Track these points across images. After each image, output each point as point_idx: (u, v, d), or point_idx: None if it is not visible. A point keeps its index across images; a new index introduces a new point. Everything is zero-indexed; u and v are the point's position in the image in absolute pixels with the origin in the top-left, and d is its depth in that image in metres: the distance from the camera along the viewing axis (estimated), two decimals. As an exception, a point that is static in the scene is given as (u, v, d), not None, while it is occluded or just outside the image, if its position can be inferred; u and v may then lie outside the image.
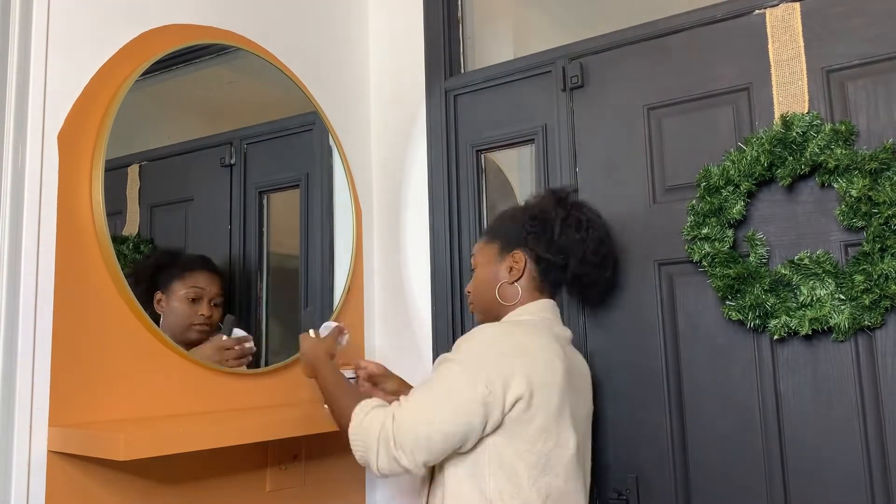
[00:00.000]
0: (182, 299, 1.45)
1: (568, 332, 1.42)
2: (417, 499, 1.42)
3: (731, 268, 1.44)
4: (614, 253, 1.54)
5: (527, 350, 1.26)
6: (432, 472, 1.31)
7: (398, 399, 1.26)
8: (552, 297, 1.44)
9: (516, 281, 1.40)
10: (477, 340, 1.27)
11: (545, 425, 1.23)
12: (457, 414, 1.19)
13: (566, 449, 1.26)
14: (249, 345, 1.58)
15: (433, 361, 1.87)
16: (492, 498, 1.21)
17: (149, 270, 1.42)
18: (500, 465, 1.22)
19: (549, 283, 1.43)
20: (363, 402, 1.28)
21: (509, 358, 1.23)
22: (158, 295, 1.48)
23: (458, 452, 1.23)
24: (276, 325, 1.77)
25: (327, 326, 1.58)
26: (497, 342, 1.27)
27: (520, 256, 1.40)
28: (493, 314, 1.43)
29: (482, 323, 1.40)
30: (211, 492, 1.52)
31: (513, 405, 1.21)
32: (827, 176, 1.40)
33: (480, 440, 1.23)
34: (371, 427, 1.22)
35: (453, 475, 1.25)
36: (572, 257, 1.41)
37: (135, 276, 1.40)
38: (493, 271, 1.43)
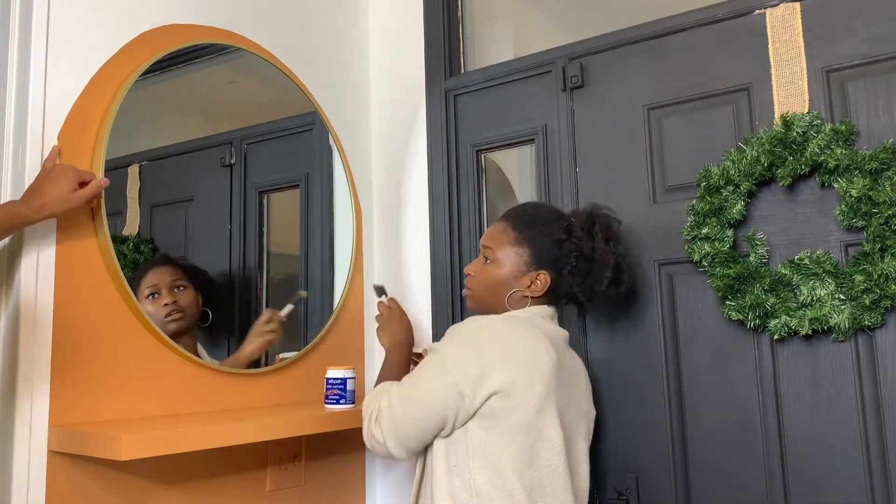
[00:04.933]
0: (147, 301, 1.47)
1: (563, 332, 1.42)
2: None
3: (731, 268, 1.44)
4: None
5: (512, 343, 1.29)
6: (423, 466, 1.36)
7: None
8: (554, 304, 1.44)
9: (531, 296, 1.40)
10: (465, 331, 1.32)
11: (527, 418, 1.25)
12: (429, 401, 1.26)
13: (550, 443, 1.27)
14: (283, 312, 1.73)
15: (433, 361, 1.88)
16: (477, 489, 1.24)
17: (133, 286, 1.44)
18: (482, 456, 1.25)
19: (557, 298, 1.44)
20: (387, 381, 1.39)
21: (492, 350, 1.27)
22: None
23: (443, 440, 1.29)
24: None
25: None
26: (484, 334, 1.30)
27: (546, 279, 1.39)
28: (490, 310, 1.43)
29: (474, 312, 1.44)
30: (211, 492, 1.52)
31: (488, 396, 1.24)
32: (827, 176, 1.40)
33: (464, 431, 1.27)
34: (371, 401, 1.35)
35: (441, 466, 1.29)
36: (597, 295, 1.42)
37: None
38: (510, 276, 1.40)
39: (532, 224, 1.43)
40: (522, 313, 1.39)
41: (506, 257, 1.41)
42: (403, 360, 1.55)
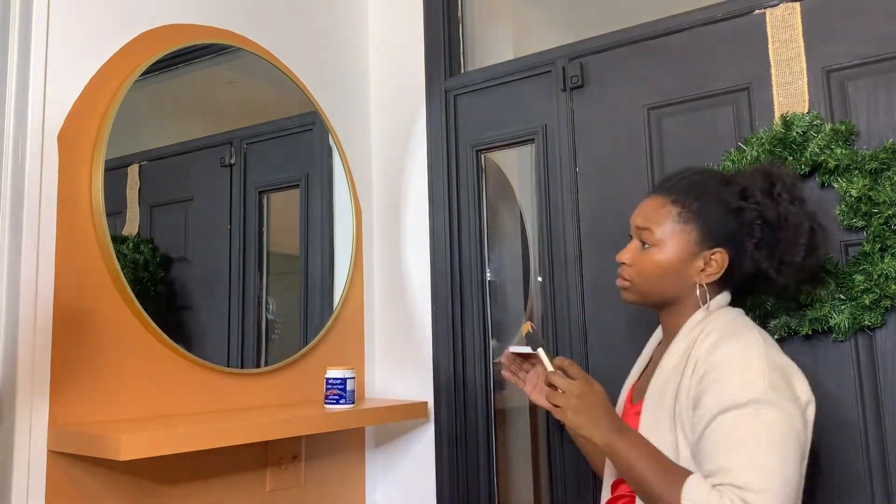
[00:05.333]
0: None
1: None
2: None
3: (731, 268, 1.44)
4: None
5: (777, 352, 1.12)
6: None
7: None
8: (729, 289, 1.25)
9: (704, 282, 1.19)
10: (753, 359, 1.07)
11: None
12: (799, 453, 1.03)
13: None
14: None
15: (433, 361, 1.87)
16: None
17: None
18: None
19: (733, 281, 1.23)
20: (692, 481, 1.01)
21: (782, 362, 1.10)
22: None
23: None
24: (276, 325, 1.77)
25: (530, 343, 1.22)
26: (765, 350, 1.09)
27: (724, 257, 1.18)
28: (656, 303, 1.25)
29: (635, 304, 1.28)
30: (211, 492, 1.52)
31: (807, 408, 1.08)
32: (827, 176, 1.40)
33: None
34: None
35: None
36: (790, 268, 1.20)
37: None
38: (678, 259, 1.19)
39: (698, 194, 1.21)
40: (731, 313, 1.19)
41: (670, 238, 1.20)
42: (635, 439, 1.10)
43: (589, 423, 1.09)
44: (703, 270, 1.19)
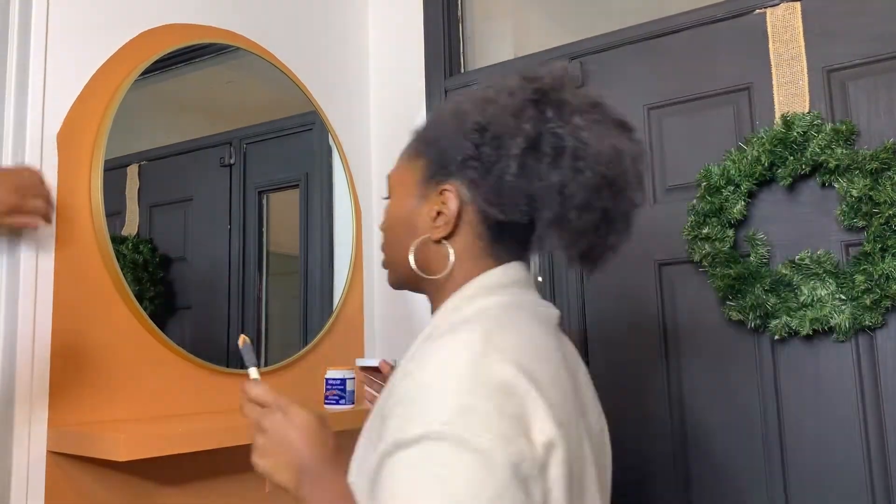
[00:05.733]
0: None
1: (553, 311, 0.85)
2: None
3: (731, 268, 1.44)
4: (625, 203, 0.81)
5: (532, 364, 0.70)
6: None
7: None
8: (519, 258, 0.84)
9: (446, 238, 0.81)
10: (449, 373, 0.67)
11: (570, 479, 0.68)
12: None
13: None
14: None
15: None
16: None
17: None
18: None
19: (508, 243, 0.83)
20: None
21: (512, 379, 0.67)
22: None
23: None
24: (275, 326, 1.77)
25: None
26: (477, 360, 0.67)
27: (455, 196, 0.80)
28: (411, 284, 0.89)
29: (399, 287, 0.91)
30: (210, 493, 1.52)
31: (549, 455, 0.67)
32: (828, 176, 1.40)
33: None
34: None
35: None
36: (545, 210, 0.77)
37: None
38: (406, 210, 0.85)
39: (437, 116, 0.88)
40: (488, 294, 0.80)
41: (398, 180, 0.88)
42: (330, 489, 0.74)
43: (277, 467, 0.78)
44: (435, 220, 0.81)
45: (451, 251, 0.81)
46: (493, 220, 0.79)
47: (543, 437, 0.65)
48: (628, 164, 0.79)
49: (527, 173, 0.76)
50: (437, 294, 0.86)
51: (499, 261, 0.82)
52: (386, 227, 0.90)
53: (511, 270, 0.82)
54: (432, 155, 0.83)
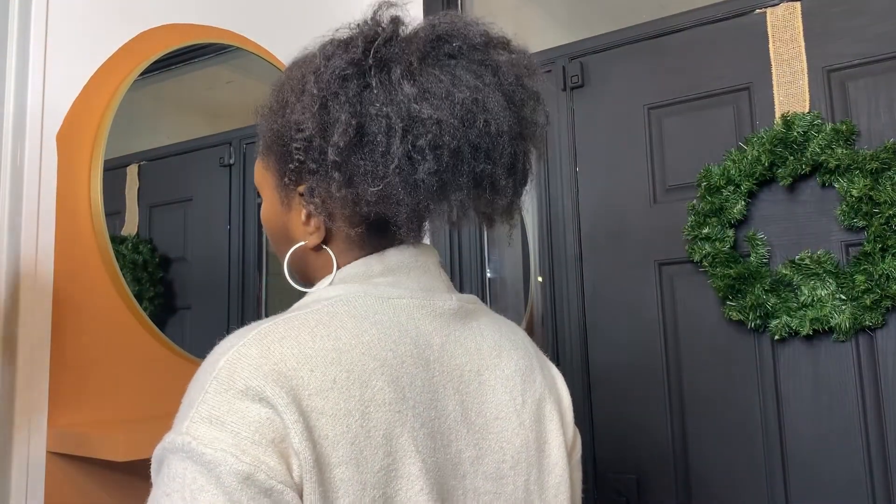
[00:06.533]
0: None
1: (434, 302, 0.71)
2: None
3: (731, 268, 1.44)
4: (513, 144, 0.70)
5: (296, 368, 0.60)
6: None
7: None
8: (402, 242, 0.74)
9: (325, 243, 0.73)
10: (206, 374, 0.64)
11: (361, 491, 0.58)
12: None
13: None
14: None
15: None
16: None
17: None
18: None
19: (385, 231, 0.72)
20: None
21: (264, 395, 0.58)
22: None
23: None
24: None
25: None
26: (235, 360, 0.61)
27: (313, 197, 0.71)
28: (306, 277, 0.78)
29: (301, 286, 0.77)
30: (210, 492, 1.52)
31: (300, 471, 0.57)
32: (828, 176, 1.40)
33: None
34: None
35: None
36: (399, 205, 0.67)
37: None
38: (281, 219, 0.76)
39: (269, 105, 0.76)
40: (331, 290, 0.70)
41: (260, 181, 0.79)
42: None
43: None
44: (305, 225, 0.73)
45: (333, 255, 0.72)
46: (355, 226, 0.70)
47: (242, 466, 0.56)
48: (497, 108, 0.67)
49: (358, 176, 0.66)
50: None
51: (374, 250, 0.72)
52: (266, 232, 0.80)
53: (376, 260, 0.71)
54: (275, 154, 0.73)
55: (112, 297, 1.38)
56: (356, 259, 0.72)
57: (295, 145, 0.68)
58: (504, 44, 0.71)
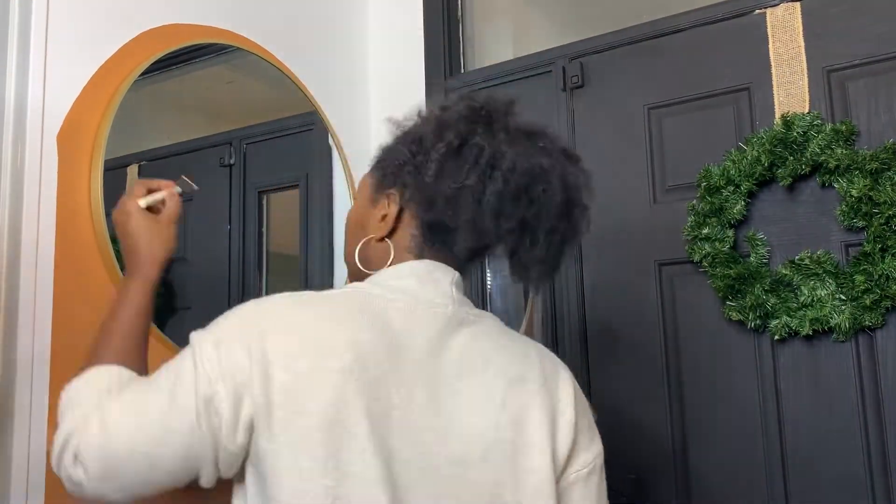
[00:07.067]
0: None
1: (445, 310, 0.85)
2: None
3: (731, 268, 1.44)
4: (549, 220, 0.87)
5: (289, 324, 0.80)
6: None
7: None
8: (448, 260, 0.90)
9: (388, 236, 0.89)
10: (232, 311, 0.88)
11: (316, 443, 0.73)
12: (166, 425, 0.77)
13: (364, 486, 0.72)
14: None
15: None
16: None
17: None
18: None
19: (437, 244, 0.89)
20: (108, 369, 0.93)
21: (248, 333, 0.80)
22: None
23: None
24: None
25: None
26: (249, 311, 0.85)
27: (392, 200, 0.89)
28: (361, 279, 0.91)
29: (354, 280, 0.94)
30: (210, 493, 1.51)
31: (252, 406, 0.75)
32: (828, 176, 1.40)
33: (241, 476, 0.83)
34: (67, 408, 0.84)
35: None
36: (462, 211, 0.84)
37: None
38: (362, 211, 0.95)
39: (393, 133, 0.97)
40: (375, 285, 0.86)
41: (360, 189, 0.99)
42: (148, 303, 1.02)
43: (142, 242, 1.03)
44: (381, 221, 0.90)
45: (392, 248, 0.89)
46: (424, 221, 0.88)
47: (249, 392, 0.76)
48: (555, 184, 0.85)
49: (445, 176, 0.85)
50: None
51: (419, 257, 0.89)
52: (345, 229, 1.00)
53: (411, 266, 0.88)
54: (381, 165, 0.94)
55: (112, 297, 1.38)
56: (403, 255, 0.89)
57: (405, 151, 0.89)
58: (577, 158, 0.90)
